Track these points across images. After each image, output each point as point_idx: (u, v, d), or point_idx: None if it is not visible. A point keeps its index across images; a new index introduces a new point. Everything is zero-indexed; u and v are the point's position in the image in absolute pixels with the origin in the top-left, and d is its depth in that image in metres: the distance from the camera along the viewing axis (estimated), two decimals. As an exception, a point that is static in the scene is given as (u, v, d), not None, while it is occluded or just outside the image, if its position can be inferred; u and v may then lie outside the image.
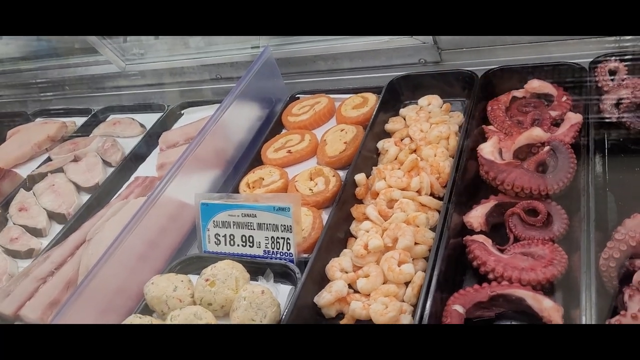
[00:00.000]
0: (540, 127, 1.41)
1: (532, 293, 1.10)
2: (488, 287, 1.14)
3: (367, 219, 1.39)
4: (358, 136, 1.65)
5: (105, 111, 2.35)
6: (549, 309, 1.07)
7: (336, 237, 1.39)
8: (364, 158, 1.56)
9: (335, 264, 1.31)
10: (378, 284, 1.24)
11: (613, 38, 1.54)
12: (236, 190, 1.64)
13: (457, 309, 1.11)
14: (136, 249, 1.40)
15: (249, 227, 1.40)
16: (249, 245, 1.41)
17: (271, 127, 1.85)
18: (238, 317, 1.22)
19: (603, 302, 1.02)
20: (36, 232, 1.80)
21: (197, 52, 2.20)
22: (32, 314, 1.49)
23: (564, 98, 1.51)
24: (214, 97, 2.14)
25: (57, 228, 1.80)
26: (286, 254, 1.36)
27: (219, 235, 1.44)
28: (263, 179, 1.64)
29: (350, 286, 1.28)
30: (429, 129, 1.59)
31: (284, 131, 1.86)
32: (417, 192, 1.42)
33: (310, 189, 1.54)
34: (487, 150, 1.39)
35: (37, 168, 2.10)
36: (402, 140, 1.60)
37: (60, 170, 2.00)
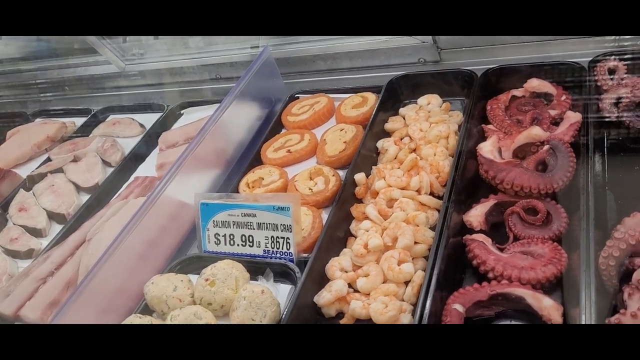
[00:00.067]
0: (540, 126, 1.41)
1: (531, 292, 1.10)
2: (488, 286, 1.14)
3: (366, 218, 1.40)
4: (358, 136, 1.65)
5: (104, 111, 2.35)
6: (549, 308, 1.07)
7: (336, 236, 1.39)
8: (364, 157, 1.56)
9: (335, 264, 1.31)
10: (378, 283, 1.24)
11: (612, 37, 1.55)
12: (236, 190, 1.64)
13: (457, 308, 1.11)
14: (136, 248, 1.40)
15: (249, 227, 1.40)
16: (249, 245, 1.41)
17: (271, 126, 1.85)
18: (238, 317, 1.22)
19: (603, 301, 1.02)
20: (36, 233, 1.80)
21: (196, 52, 2.20)
22: (32, 314, 1.49)
23: (563, 97, 1.51)
24: (213, 97, 2.14)
25: (57, 228, 1.80)
26: (286, 254, 1.36)
27: (219, 235, 1.44)
28: (263, 179, 1.64)
29: (350, 285, 1.28)
30: (429, 128, 1.59)
31: (283, 131, 1.86)
32: (416, 191, 1.42)
33: (310, 189, 1.54)
34: (487, 149, 1.39)
35: (36, 168, 2.10)
36: (401, 139, 1.60)
37: (60, 170, 2.00)
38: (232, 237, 1.43)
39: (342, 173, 1.57)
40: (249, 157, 1.76)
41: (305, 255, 1.35)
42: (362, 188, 1.48)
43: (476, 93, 1.59)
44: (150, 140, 2.07)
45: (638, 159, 1.34)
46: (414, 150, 1.53)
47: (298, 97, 1.95)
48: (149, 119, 2.17)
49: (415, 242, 1.28)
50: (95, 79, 2.45)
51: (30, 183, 2.01)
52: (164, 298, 1.29)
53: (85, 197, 1.88)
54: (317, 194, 1.51)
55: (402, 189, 1.42)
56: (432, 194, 1.42)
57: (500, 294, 1.12)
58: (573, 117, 1.42)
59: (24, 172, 2.11)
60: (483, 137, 1.49)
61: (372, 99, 1.78)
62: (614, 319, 0.99)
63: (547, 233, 1.22)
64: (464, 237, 1.26)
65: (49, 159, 2.15)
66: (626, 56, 1.49)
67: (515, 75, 1.61)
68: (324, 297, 1.24)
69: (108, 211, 1.71)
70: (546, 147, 1.35)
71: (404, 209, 1.35)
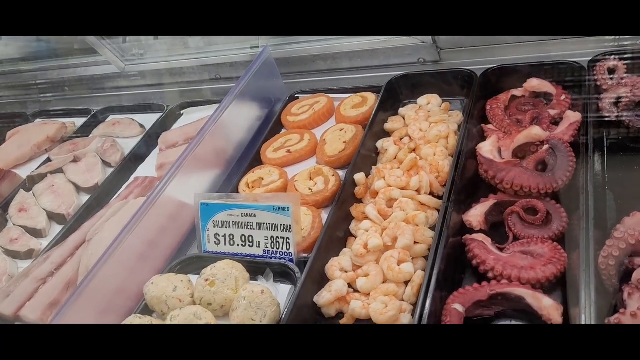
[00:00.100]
0: (540, 125, 1.41)
1: (531, 292, 1.10)
2: (487, 286, 1.14)
3: (366, 218, 1.40)
4: (357, 136, 1.65)
5: (104, 112, 2.35)
6: (549, 308, 1.07)
7: (336, 236, 1.39)
8: (364, 157, 1.56)
9: (334, 264, 1.31)
10: (378, 283, 1.24)
11: (612, 37, 1.54)
12: (236, 190, 1.64)
13: (456, 307, 1.11)
14: (136, 249, 1.40)
15: (249, 227, 1.40)
16: (249, 245, 1.41)
17: (270, 127, 1.85)
18: (238, 317, 1.22)
19: (602, 301, 1.02)
20: (36, 233, 1.80)
21: (196, 53, 2.20)
22: (32, 315, 1.49)
23: (563, 97, 1.51)
24: (213, 97, 2.14)
25: (57, 229, 1.80)
26: (286, 254, 1.36)
27: (219, 235, 1.44)
28: (262, 179, 1.64)
29: (350, 285, 1.28)
30: (428, 128, 1.59)
31: (283, 131, 1.86)
32: (416, 191, 1.42)
33: (309, 189, 1.54)
34: (487, 149, 1.39)
35: (36, 169, 2.10)
36: (401, 139, 1.60)
37: (60, 170, 2.00)
38: (232, 237, 1.43)
39: (341, 173, 1.57)
40: (249, 157, 1.76)
41: (305, 255, 1.35)
42: (362, 188, 1.48)
43: (476, 93, 1.59)
44: (150, 140, 2.07)
45: (638, 159, 1.34)
46: (414, 150, 1.53)
47: (298, 97, 1.95)
48: (149, 120, 2.17)
49: (415, 242, 1.28)
50: (95, 79, 2.45)
51: (30, 183, 2.02)
52: (164, 298, 1.29)
53: (85, 198, 1.88)
54: (316, 194, 1.51)
55: (402, 188, 1.42)
56: (431, 193, 1.42)
57: (500, 293, 1.12)
58: (573, 117, 1.42)
59: (24, 172, 2.11)
60: (483, 137, 1.49)
61: (371, 99, 1.78)
62: (613, 319, 0.99)
63: (547, 233, 1.22)
64: (463, 237, 1.26)
65: (49, 160, 2.15)
66: (626, 56, 1.49)
67: (514, 75, 1.61)
68: (324, 297, 1.24)
69: (108, 211, 1.71)
70: (546, 146, 1.35)
71: (403, 209, 1.35)
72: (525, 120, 1.48)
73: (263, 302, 1.22)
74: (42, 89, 2.62)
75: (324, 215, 1.47)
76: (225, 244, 1.44)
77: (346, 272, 1.29)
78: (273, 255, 1.38)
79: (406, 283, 1.24)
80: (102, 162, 2.01)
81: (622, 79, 1.46)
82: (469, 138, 1.46)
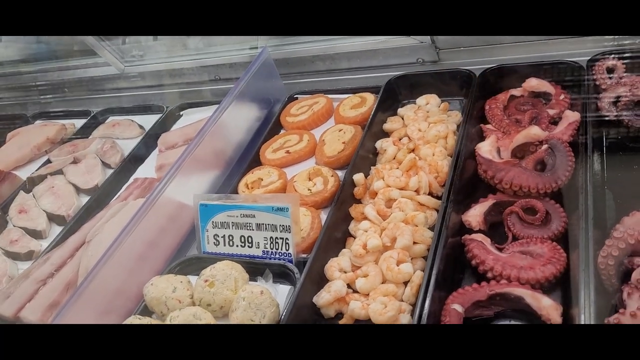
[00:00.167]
0: (538, 125, 1.41)
1: (530, 291, 1.10)
2: (487, 286, 1.14)
3: (365, 218, 1.39)
4: (356, 136, 1.65)
5: (104, 113, 2.36)
6: (548, 308, 1.07)
7: (335, 237, 1.39)
8: (363, 158, 1.56)
9: (334, 264, 1.31)
10: (377, 283, 1.24)
11: (611, 36, 1.54)
12: (235, 191, 1.64)
13: (456, 308, 1.11)
14: (135, 250, 1.40)
15: (248, 228, 1.40)
16: (248, 246, 1.41)
17: (270, 127, 1.85)
18: (237, 318, 1.22)
19: (602, 300, 1.02)
20: (36, 234, 1.80)
21: (195, 53, 2.20)
22: (32, 316, 1.49)
23: (562, 96, 1.51)
24: (212, 98, 2.14)
25: (57, 230, 1.80)
26: (285, 254, 1.36)
27: (218, 236, 1.44)
28: (262, 180, 1.64)
29: (349, 286, 1.28)
30: (427, 128, 1.59)
31: (282, 131, 1.86)
32: (415, 191, 1.42)
33: (308, 189, 1.54)
34: (485, 149, 1.39)
35: (36, 170, 2.10)
36: (400, 139, 1.60)
37: (59, 172, 2.00)
38: (231, 238, 1.43)
39: (340, 173, 1.57)
40: (248, 157, 1.76)
41: (304, 255, 1.35)
42: (361, 188, 1.48)
43: (475, 93, 1.58)
44: (149, 141, 2.07)
45: (637, 158, 1.34)
46: (413, 151, 1.53)
47: (297, 98, 1.95)
48: (149, 121, 2.18)
49: (414, 242, 1.28)
50: (95, 80, 2.46)
51: (30, 185, 2.02)
52: (164, 299, 1.29)
53: (85, 199, 1.88)
54: (316, 194, 1.51)
55: (401, 189, 1.42)
56: (430, 194, 1.42)
57: (499, 293, 1.12)
58: (572, 117, 1.42)
59: (24, 174, 2.11)
60: (482, 137, 1.49)
61: (370, 99, 1.78)
62: (613, 319, 0.99)
63: (546, 233, 1.22)
64: (462, 237, 1.26)
65: (48, 161, 2.15)
66: (625, 55, 1.49)
67: (513, 74, 1.60)
68: (323, 298, 1.24)
69: (108, 212, 1.71)
70: (545, 146, 1.35)
71: (402, 209, 1.35)
72: (524, 120, 1.48)
73: (262, 302, 1.22)
74: (42, 91, 2.62)
75: (323, 215, 1.47)
76: (224, 245, 1.44)
77: (345, 272, 1.29)
78: (272, 255, 1.38)
79: (405, 283, 1.24)
80: (101, 163, 2.01)
81: (621, 78, 1.45)
82: (468, 138, 1.46)
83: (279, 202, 1.36)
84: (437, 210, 1.36)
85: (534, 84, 1.55)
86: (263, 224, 1.38)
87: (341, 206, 1.43)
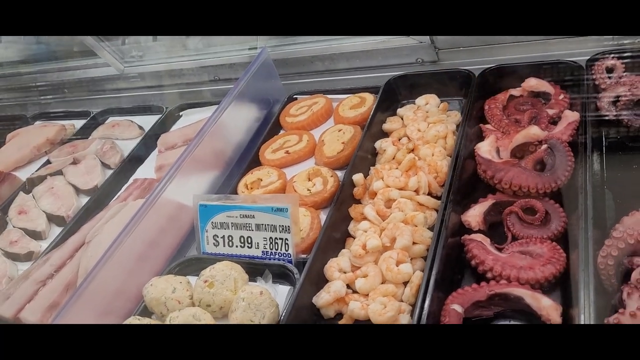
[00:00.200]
0: (538, 125, 1.41)
1: (530, 292, 1.10)
2: (486, 286, 1.14)
3: (365, 219, 1.39)
4: (356, 136, 1.65)
5: (104, 114, 2.36)
6: (548, 308, 1.07)
7: (334, 237, 1.39)
8: (362, 158, 1.56)
9: (333, 264, 1.31)
10: (376, 283, 1.24)
11: (610, 36, 1.54)
12: (234, 191, 1.64)
13: (455, 308, 1.11)
14: (135, 250, 1.40)
15: (247, 228, 1.40)
16: (248, 246, 1.41)
17: (269, 128, 1.85)
18: (237, 318, 1.22)
19: (601, 300, 1.02)
20: (35, 235, 1.80)
21: (195, 54, 2.20)
22: (32, 317, 1.49)
23: (561, 96, 1.51)
24: (212, 99, 2.14)
25: (57, 230, 1.80)
26: (284, 255, 1.36)
27: (218, 237, 1.44)
28: (261, 180, 1.64)
29: (348, 286, 1.28)
30: (427, 128, 1.59)
31: (281, 132, 1.86)
32: (415, 191, 1.42)
33: (308, 190, 1.54)
34: (485, 149, 1.39)
35: (36, 171, 2.10)
36: (399, 139, 1.60)
37: (59, 172, 2.00)
38: (230, 238, 1.43)
39: (340, 174, 1.57)
40: (248, 158, 1.76)
41: (303, 256, 1.35)
42: (361, 189, 1.48)
43: (474, 93, 1.58)
44: (149, 142, 2.07)
45: (636, 158, 1.33)
46: (412, 151, 1.53)
47: (296, 98, 1.95)
48: (148, 121, 2.18)
49: (414, 243, 1.28)
50: (95, 81, 2.46)
51: (29, 186, 2.02)
52: (163, 300, 1.29)
53: (84, 200, 1.88)
54: (315, 194, 1.51)
55: (401, 189, 1.42)
56: (430, 194, 1.42)
57: (499, 294, 1.12)
58: (571, 116, 1.42)
59: (23, 174, 2.11)
60: (481, 137, 1.49)
61: (370, 99, 1.78)
62: (612, 319, 0.98)
63: (546, 233, 1.22)
64: (462, 237, 1.26)
65: (48, 162, 2.15)
66: (624, 55, 1.49)
67: (513, 74, 1.60)
68: (323, 298, 1.24)
69: (107, 213, 1.71)
70: (544, 146, 1.35)
71: (402, 210, 1.35)
72: (524, 119, 1.48)
73: (262, 303, 1.21)
74: (42, 91, 2.62)
75: (323, 216, 1.47)
76: (224, 245, 1.44)
77: (345, 272, 1.29)
78: (272, 256, 1.38)
79: (405, 284, 1.24)
80: (101, 164, 2.01)
81: (620, 78, 1.45)
82: (467, 138, 1.46)
83: (278, 203, 1.36)
84: (437, 211, 1.36)
85: (533, 83, 1.55)
86: (262, 224, 1.38)
87: (341, 206, 1.43)
